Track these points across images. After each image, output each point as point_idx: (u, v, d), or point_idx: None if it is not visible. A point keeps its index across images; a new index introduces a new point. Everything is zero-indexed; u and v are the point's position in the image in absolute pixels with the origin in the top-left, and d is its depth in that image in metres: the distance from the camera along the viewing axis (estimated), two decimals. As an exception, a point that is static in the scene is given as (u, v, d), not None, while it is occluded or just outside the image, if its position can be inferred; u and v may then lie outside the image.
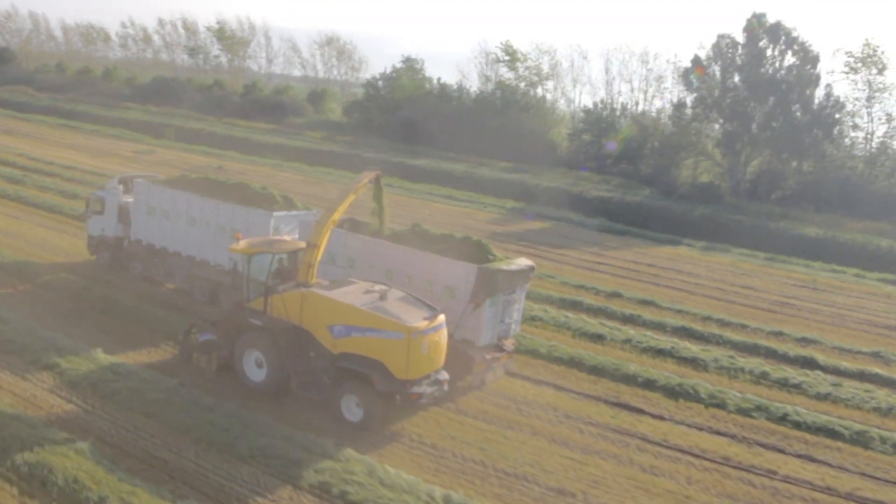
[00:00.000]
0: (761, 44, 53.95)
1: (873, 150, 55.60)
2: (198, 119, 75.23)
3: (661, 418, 18.90)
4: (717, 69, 55.76)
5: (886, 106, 55.04)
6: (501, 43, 75.46)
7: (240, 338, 18.22)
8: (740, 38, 54.79)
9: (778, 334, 26.42)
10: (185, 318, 21.30)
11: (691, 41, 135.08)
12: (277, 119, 77.62)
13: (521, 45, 78.21)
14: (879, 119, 55.17)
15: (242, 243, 18.58)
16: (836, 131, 54.17)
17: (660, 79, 68.63)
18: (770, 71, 53.73)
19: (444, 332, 17.18)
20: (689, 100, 60.06)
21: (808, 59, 52.93)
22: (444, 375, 17.60)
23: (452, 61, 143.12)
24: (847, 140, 56.28)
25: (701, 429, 18.47)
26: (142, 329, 21.16)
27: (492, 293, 18.88)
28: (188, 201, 24.34)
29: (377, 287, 17.78)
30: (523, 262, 20.44)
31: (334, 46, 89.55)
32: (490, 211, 47.08)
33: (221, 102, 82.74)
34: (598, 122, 66.65)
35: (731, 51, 54.69)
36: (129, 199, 26.46)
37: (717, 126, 59.31)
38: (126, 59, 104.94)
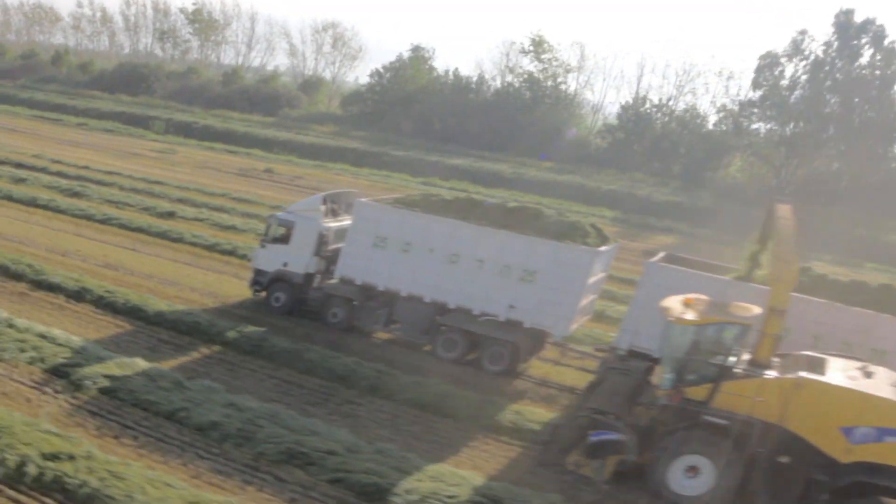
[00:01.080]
0: (852, 42, 50.44)
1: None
2: (182, 111, 66.61)
3: None
4: (791, 67, 52.22)
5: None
6: (532, 32, 69.88)
7: (669, 438, 12.91)
8: (818, 34, 51.06)
9: None
10: (504, 399, 15.67)
11: (729, 37, 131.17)
12: (269, 111, 69.93)
13: (548, 36, 72.75)
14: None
15: (683, 307, 12.92)
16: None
17: (698, 75, 64.88)
18: (857, 70, 50.55)
19: None
20: (743, 99, 56.53)
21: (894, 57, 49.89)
22: None
23: (460, 51, 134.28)
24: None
25: None
26: (446, 423, 14.74)
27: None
28: (452, 232, 17.66)
29: (861, 364, 12.91)
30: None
31: (331, 33, 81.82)
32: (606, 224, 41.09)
33: (200, 92, 73.97)
34: (635, 118, 62.79)
35: (809, 48, 51.26)
36: (330, 224, 20.19)
37: (765, 126, 56.15)
38: (76, 43, 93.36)
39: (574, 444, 13.63)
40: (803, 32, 51.06)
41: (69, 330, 16.57)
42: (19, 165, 35.26)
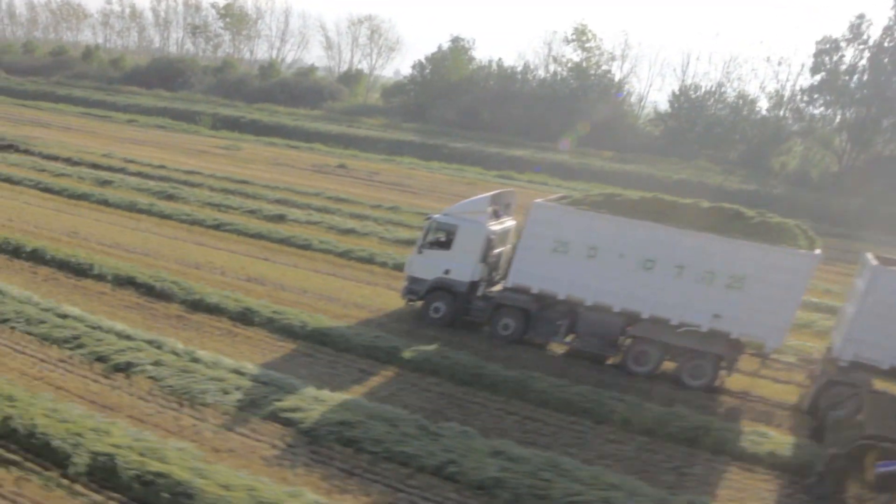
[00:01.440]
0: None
1: None
2: (225, 105, 64.00)
3: None
4: (851, 51, 49.68)
5: None
6: (576, 22, 67.43)
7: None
8: (876, 18, 48.71)
9: None
10: (722, 419, 13.23)
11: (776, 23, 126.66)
12: (310, 104, 67.31)
13: (591, 25, 70.08)
14: None
15: None
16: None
17: (746, 61, 62.27)
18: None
19: None
20: (796, 84, 54.13)
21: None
22: None
23: (499, 42, 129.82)
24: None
25: None
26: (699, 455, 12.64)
27: None
28: (647, 235, 15.64)
29: None
30: None
31: (367, 25, 78.91)
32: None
33: (239, 86, 71.28)
34: (687, 106, 60.25)
35: (867, 32, 48.61)
36: (494, 227, 17.88)
37: (825, 111, 53.71)
38: (104, 39, 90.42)
39: (852, 475, 11.48)
40: (861, 17, 48.64)
41: (255, 360, 14.24)
42: (95, 166, 32.81)
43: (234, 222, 24.51)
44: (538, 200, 17.10)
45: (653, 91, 71.51)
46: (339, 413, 12.13)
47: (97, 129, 47.51)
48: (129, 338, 14.40)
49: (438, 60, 69.27)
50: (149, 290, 17.36)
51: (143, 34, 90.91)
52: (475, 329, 17.32)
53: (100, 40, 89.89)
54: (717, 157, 55.75)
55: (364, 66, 79.79)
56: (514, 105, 63.04)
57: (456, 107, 64.88)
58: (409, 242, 23.75)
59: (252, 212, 26.45)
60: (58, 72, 78.25)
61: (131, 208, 25.54)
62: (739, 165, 53.70)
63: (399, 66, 79.73)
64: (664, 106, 63.87)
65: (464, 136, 56.70)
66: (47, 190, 27.40)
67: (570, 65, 67.62)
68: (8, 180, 28.37)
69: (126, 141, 42.80)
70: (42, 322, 14.76)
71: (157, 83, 71.49)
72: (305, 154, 44.39)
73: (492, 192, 18.51)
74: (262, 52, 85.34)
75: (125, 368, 13.27)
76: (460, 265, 17.25)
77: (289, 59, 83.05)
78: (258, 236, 23.34)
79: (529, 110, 61.94)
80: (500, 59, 70.28)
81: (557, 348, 16.99)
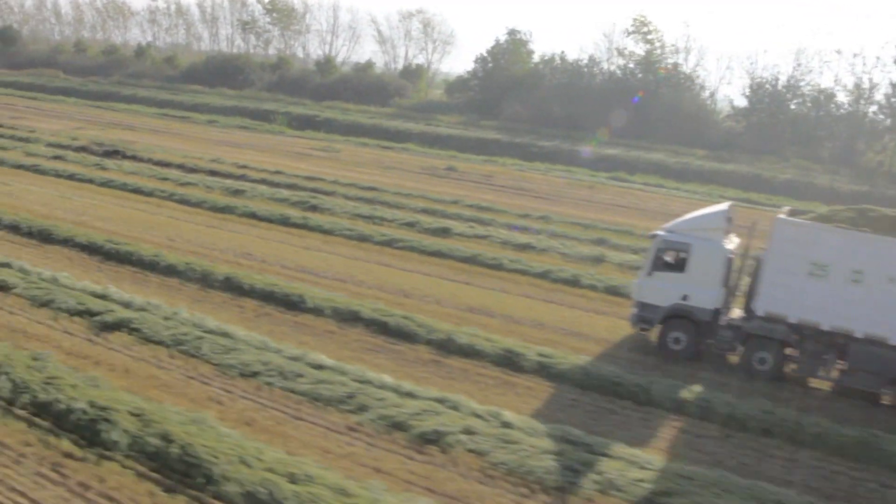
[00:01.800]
0: None
1: None
2: (293, 103, 61.51)
3: None
4: None
5: None
6: (636, 13, 64.64)
7: None
8: None
9: None
10: None
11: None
12: (376, 101, 64.76)
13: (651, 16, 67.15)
14: None
15: None
16: None
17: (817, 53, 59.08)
18: None
19: None
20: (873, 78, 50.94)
21: None
22: None
23: (551, 34, 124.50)
24: None
25: None
26: None
27: None
28: None
29: None
30: None
31: (420, 18, 76.11)
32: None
33: (300, 83, 68.78)
34: (768, 100, 57.26)
35: None
36: (731, 246, 15.50)
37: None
38: (153, 37, 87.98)
39: None
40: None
41: (526, 412, 11.90)
42: (214, 173, 30.42)
43: (401, 238, 21.98)
44: (782, 217, 14.70)
45: (722, 85, 67.97)
46: (664, 483, 9.78)
47: (183, 130, 45.13)
48: (411, 395, 11.98)
49: (500, 54, 66.85)
50: (381, 328, 14.90)
51: (189, 31, 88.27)
52: (712, 360, 14.86)
53: (149, 38, 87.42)
54: (807, 154, 52.92)
55: (420, 60, 76.94)
56: (585, 100, 60.64)
57: (525, 102, 62.58)
58: (594, 259, 21.30)
59: (410, 224, 23.93)
60: (113, 71, 76.02)
61: (284, 222, 23.10)
62: (833, 162, 50.85)
63: (453, 62, 77.01)
64: (736, 100, 61.21)
65: (547, 134, 54.02)
66: (183, 202, 25.02)
67: (635, 58, 64.96)
68: (139, 191, 26.02)
69: (221, 143, 40.40)
70: (299, 376, 12.33)
71: (217, 81, 69.12)
72: (405, 156, 41.88)
73: (723, 206, 16.23)
74: (312, 47, 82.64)
75: (435, 440, 10.80)
76: (700, 290, 14.95)
77: (341, 55, 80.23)
78: (438, 254, 20.80)
79: (601, 105, 59.52)
80: (563, 52, 67.67)
81: (817, 383, 14.48)
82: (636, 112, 57.75)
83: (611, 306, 17.79)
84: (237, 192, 26.97)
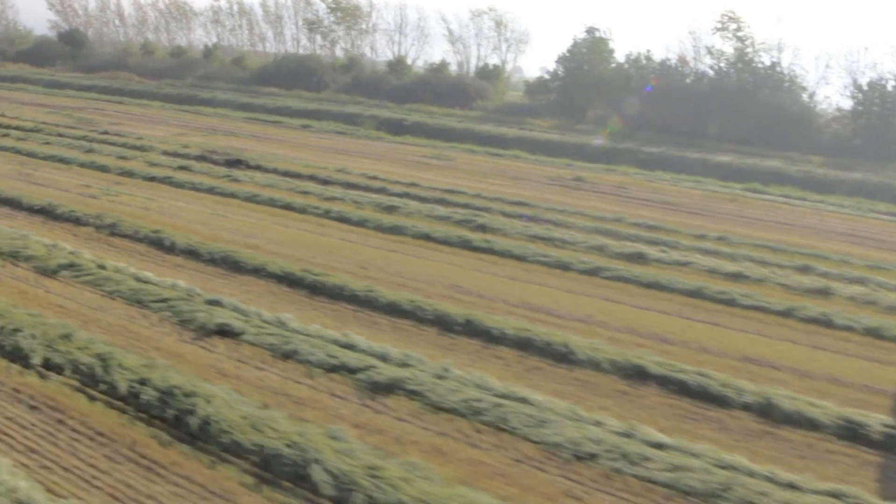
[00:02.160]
0: None
1: None
2: (377, 106, 59.58)
3: None
4: None
5: None
6: (727, 10, 61.61)
7: None
8: None
9: None
10: None
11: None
12: (456, 103, 62.59)
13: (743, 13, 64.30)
14: None
15: None
16: None
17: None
18: None
19: None
20: None
21: None
22: None
23: (626, 32, 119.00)
24: None
25: None
26: None
27: None
28: None
29: None
30: None
31: (491, 16, 73.69)
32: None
33: (376, 85, 66.80)
34: (879, 102, 54.09)
35: None
36: None
37: None
38: (217, 38, 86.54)
39: None
40: None
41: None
42: (350, 185, 28.34)
43: (605, 266, 19.61)
44: None
45: (821, 83, 64.59)
46: None
47: (281, 136, 43.28)
48: (792, 486, 9.65)
49: (580, 54, 64.52)
50: (679, 388, 12.59)
51: (252, 31, 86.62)
52: None
53: (213, 39, 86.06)
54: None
55: (493, 60, 74.51)
56: (678, 102, 58.22)
57: (613, 105, 60.33)
58: (818, 291, 18.78)
59: (598, 249, 21.58)
60: (182, 73, 74.77)
61: (465, 245, 20.84)
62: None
63: (525, 61, 74.71)
64: (839, 101, 58.05)
65: (652, 140, 51.43)
66: (342, 219, 22.92)
67: (727, 57, 62.04)
68: (289, 207, 23.99)
69: (328, 150, 38.42)
70: (645, 459, 10.06)
71: (289, 83, 67.40)
72: (520, 164, 39.56)
73: None
74: (380, 47, 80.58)
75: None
76: None
77: (410, 55, 78.02)
78: (655, 286, 18.38)
79: (694, 108, 57.09)
80: (648, 51, 64.90)
81: None
82: (732, 115, 55.21)
83: (887, 353, 15.32)
84: (390, 209, 24.83)
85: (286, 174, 29.77)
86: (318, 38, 79.58)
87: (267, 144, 38.45)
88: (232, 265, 17.46)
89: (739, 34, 62.08)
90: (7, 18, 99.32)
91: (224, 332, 13.38)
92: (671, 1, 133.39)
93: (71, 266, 16.34)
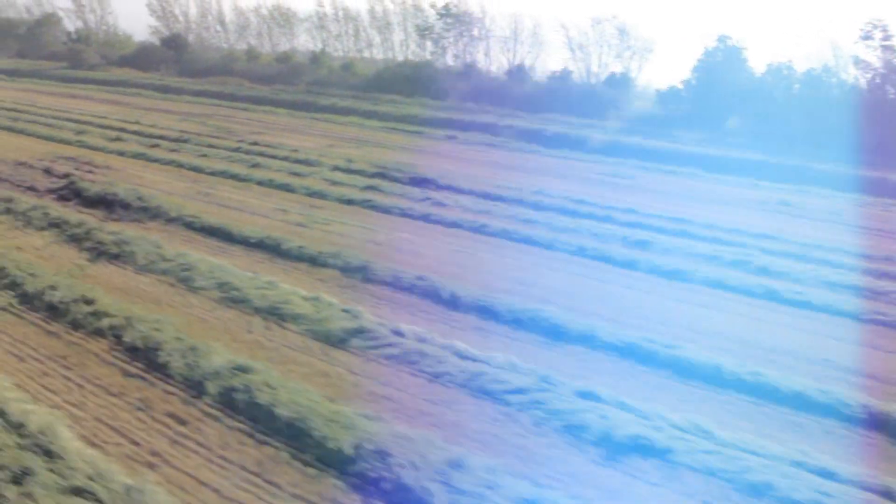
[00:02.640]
0: None
1: None
2: (507, 115, 55.63)
3: None
4: None
5: None
6: (873, 17, 55.72)
7: None
8: None
9: None
10: None
11: None
12: (588, 113, 58.21)
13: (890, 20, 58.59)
14: None
15: None
16: None
17: None
18: None
19: None
20: None
21: None
22: None
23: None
24: None
25: None
26: None
27: None
28: None
29: None
30: None
31: (613, 23, 69.09)
32: None
33: (498, 93, 62.84)
34: None
35: None
36: None
37: None
38: (323, 43, 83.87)
39: None
40: None
41: None
42: (566, 213, 24.06)
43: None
44: None
45: None
46: None
47: (436, 148, 39.57)
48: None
49: (715, 62, 59.70)
50: None
51: (358, 36, 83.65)
52: None
53: (318, 45, 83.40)
54: None
55: (617, 68, 69.78)
56: (826, 115, 52.76)
57: (755, 116, 55.22)
58: None
59: (879, 294, 16.77)
60: (290, 79, 72.23)
61: (772, 297, 16.38)
62: None
63: (650, 69, 69.81)
64: None
65: (814, 155, 45.95)
66: (605, 259, 18.71)
67: (874, 67, 56.08)
68: (531, 242, 19.84)
69: (497, 167, 34.29)
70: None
71: (406, 90, 63.99)
72: (703, 184, 34.82)
73: None
74: (494, 54, 76.53)
75: None
76: None
77: (527, 62, 73.68)
78: None
79: (845, 121, 51.61)
80: (790, 61, 59.34)
81: None
82: (885, 127, 49.62)
83: None
84: (641, 244, 20.49)
85: (485, 196, 25.75)
86: (429, 44, 76.08)
87: (431, 159, 34.67)
88: (549, 331, 13.35)
89: (886, 43, 55.99)
90: (108, 24, 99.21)
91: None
92: (804, 8, 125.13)
93: (359, 332, 12.46)
